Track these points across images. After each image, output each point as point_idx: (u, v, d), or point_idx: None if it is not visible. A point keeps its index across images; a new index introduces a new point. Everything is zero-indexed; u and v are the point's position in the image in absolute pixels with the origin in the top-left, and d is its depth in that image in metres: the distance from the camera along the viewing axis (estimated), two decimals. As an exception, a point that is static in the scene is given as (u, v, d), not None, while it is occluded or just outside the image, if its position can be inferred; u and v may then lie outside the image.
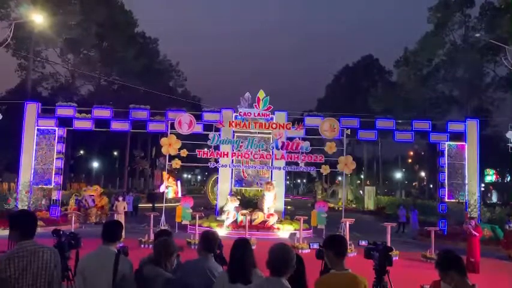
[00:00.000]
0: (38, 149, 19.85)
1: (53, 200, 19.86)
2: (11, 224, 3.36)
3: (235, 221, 18.18)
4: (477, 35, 34.08)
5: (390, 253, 4.68)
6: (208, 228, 14.82)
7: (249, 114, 19.73)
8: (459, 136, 20.56)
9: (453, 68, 37.35)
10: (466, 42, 36.02)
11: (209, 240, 4.03)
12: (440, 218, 19.77)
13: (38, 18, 24.75)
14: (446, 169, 20.20)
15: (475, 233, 12.19)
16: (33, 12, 25.78)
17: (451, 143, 20.37)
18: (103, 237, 3.93)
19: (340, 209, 20.19)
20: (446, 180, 20.16)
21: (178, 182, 38.69)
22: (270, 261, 3.18)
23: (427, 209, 27.72)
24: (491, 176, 51.96)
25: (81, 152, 51.57)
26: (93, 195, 21.97)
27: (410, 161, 62.82)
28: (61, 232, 4.41)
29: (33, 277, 3.15)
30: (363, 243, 5.50)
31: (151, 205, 28.88)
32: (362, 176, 57.29)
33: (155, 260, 3.97)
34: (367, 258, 4.76)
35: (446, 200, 20.11)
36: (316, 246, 5.06)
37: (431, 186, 48.25)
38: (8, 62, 38.50)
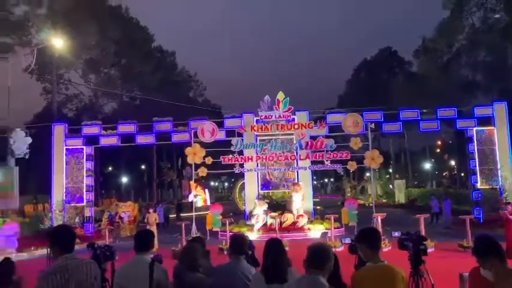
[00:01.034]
0: (68, 168, 20.46)
1: (86, 217, 20.35)
2: (51, 240, 3.40)
3: (265, 224, 18.19)
4: (497, 15, 33.09)
5: (425, 242, 4.59)
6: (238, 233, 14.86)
7: (269, 116, 19.74)
8: (487, 120, 19.87)
9: (475, 51, 36.39)
10: (485, 24, 35.02)
11: (238, 243, 4.07)
12: (475, 205, 19.23)
13: (58, 42, 25.47)
14: (476, 155, 19.59)
15: (512, 218, 11.83)
16: (53, 37, 26.49)
17: (479, 128, 19.72)
18: (136, 248, 4.01)
19: (371, 205, 19.89)
20: (477, 167, 19.54)
21: (206, 190, 38.88)
22: (307, 258, 3.19)
23: (460, 197, 27.05)
24: (525, 159, 50.20)
25: (110, 168, 52.64)
26: (128, 212, 22.30)
27: (438, 150, 61.48)
28: (96, 245, 4.52)
29: (75, 291, 3.21)
30: (396, 234, 5.43)
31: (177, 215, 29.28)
32: (390, 170, 56.39)
33: (192, 266, 4.01)
34: (401, 249, 4.68)
35: (479, 186, 19.55)
36: (348, 241, 5.04)
37: (462, 174, 47.06)
38: (33, 86, 39.75)
